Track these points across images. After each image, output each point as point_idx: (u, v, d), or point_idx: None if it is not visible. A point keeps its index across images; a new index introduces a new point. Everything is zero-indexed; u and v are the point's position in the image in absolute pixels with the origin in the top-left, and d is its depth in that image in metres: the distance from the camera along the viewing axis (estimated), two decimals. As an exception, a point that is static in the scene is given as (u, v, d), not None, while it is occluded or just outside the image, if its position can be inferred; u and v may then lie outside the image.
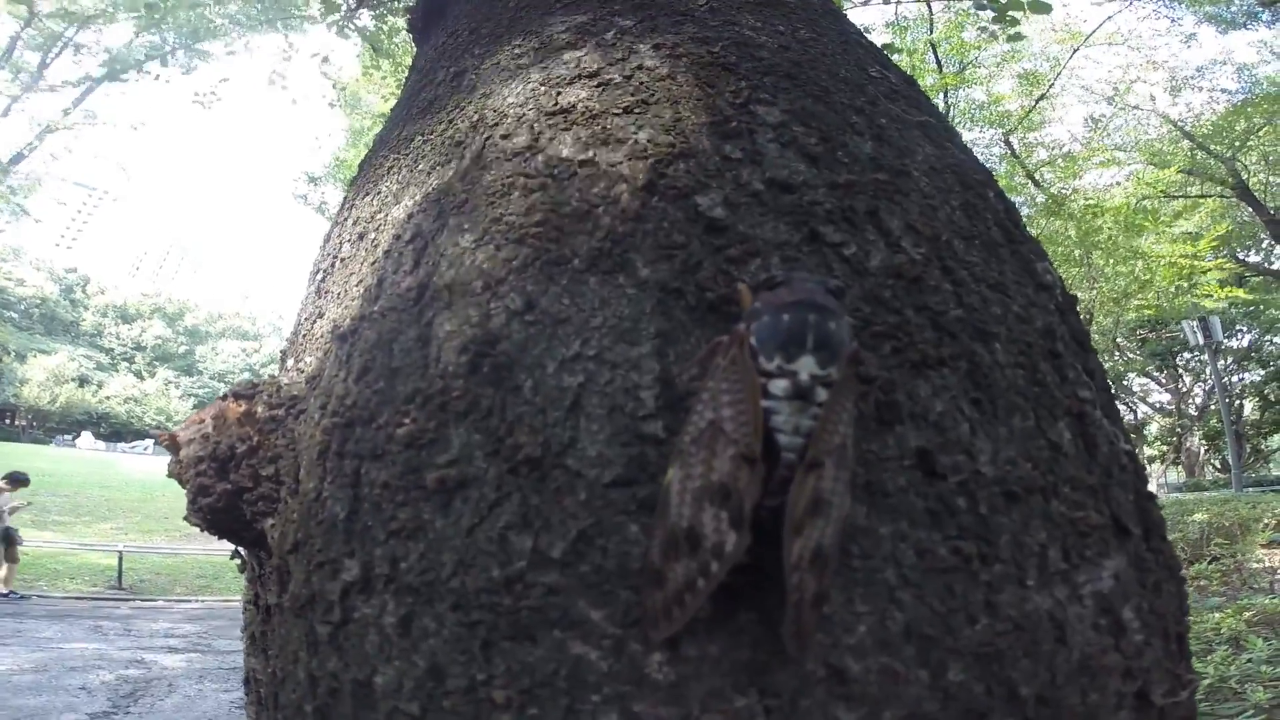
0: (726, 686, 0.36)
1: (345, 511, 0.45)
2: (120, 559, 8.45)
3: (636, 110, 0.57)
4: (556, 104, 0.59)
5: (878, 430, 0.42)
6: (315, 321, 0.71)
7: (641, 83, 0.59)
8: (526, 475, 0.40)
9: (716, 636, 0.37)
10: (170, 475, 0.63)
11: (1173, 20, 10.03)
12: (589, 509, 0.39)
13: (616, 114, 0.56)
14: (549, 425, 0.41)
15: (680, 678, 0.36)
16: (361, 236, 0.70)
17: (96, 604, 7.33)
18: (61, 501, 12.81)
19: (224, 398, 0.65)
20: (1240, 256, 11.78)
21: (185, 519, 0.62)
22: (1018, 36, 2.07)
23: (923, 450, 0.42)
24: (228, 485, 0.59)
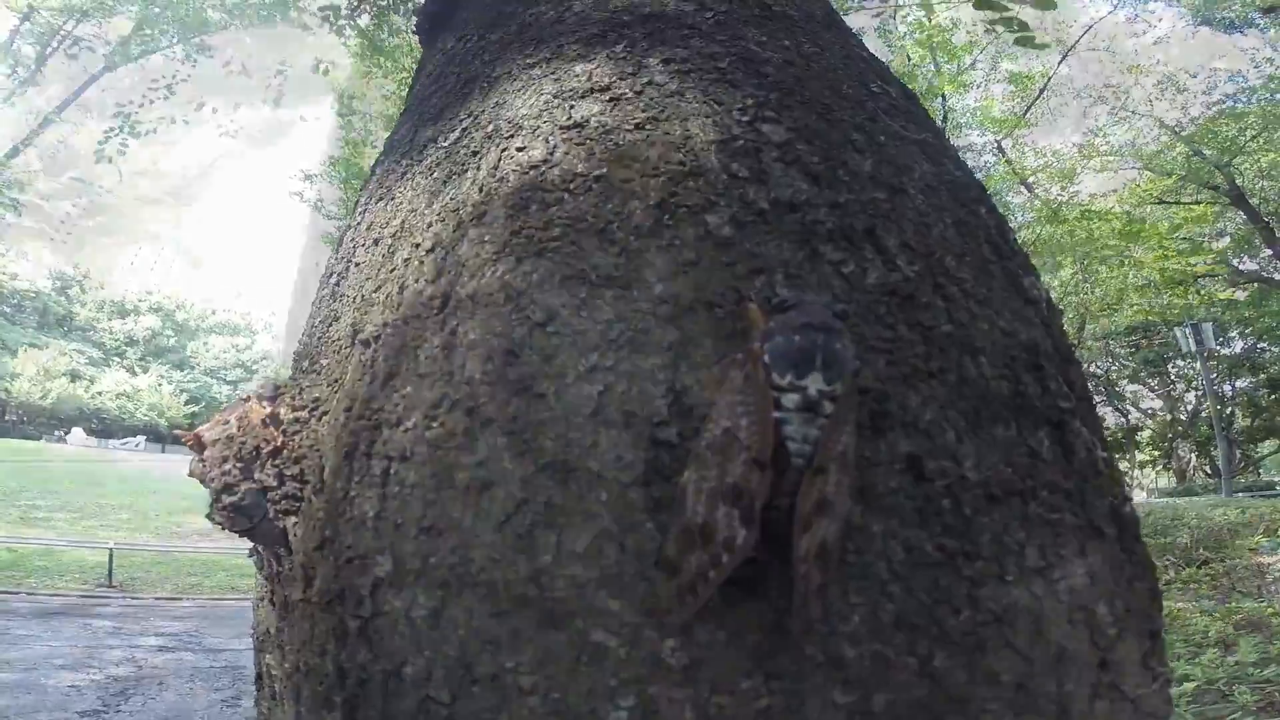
0: (734, 670, 0.39)
1: (374, 510, 0.48)
2: (111, 556, 8.40)
3: (648, 126, 0.58)
4: (570, 118, 0.60)
5: (871, 437, 0.45)
6: (331, 324, 0.73)
7: (652, 98, 0.60)
8: (551, 477, 0.43)
9: (726, 624, 0.40)
10: (192, 474, 0.64)
11: (1156, 25, 10.11)
12: (609, 508, 0.42)
13: (629, 130, 0.58)
14: (571, 431, 0.44)
15: (692, 661, 0.39)
16: (377, 242, 0.71)
17: (86, 602, 7.27)
18: (52, 499, 12.71)
19: (247, 399, 0.67)
20: (1234, 264, 11.88)
21: (207, 517, 0.64)
22: (1028, 41, 2.00)
23: (912, 455, 0.46)
24: (252, 484, 0.61)
